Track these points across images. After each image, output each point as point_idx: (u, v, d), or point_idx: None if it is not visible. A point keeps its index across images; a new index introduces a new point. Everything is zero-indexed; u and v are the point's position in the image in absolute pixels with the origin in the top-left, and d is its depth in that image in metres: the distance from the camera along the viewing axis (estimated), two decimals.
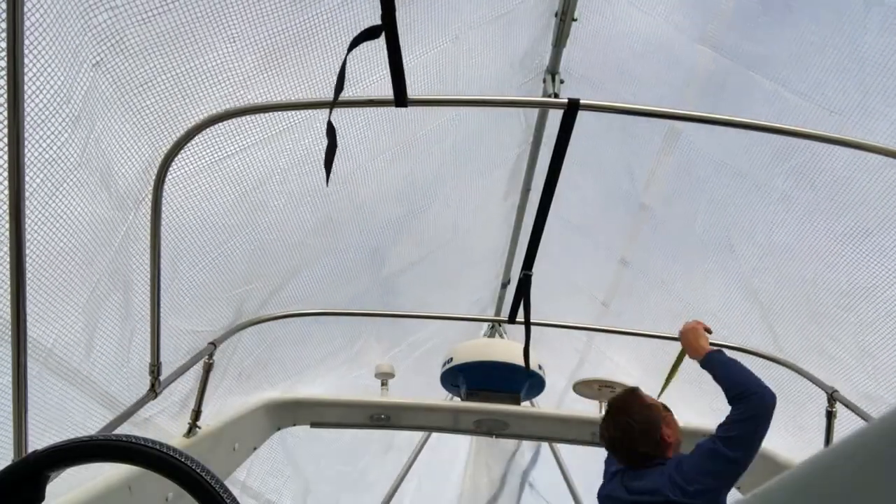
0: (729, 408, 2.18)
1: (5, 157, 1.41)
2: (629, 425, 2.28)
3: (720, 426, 2.17)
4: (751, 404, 2.12)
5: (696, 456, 2.15)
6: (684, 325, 2.54)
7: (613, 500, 2.34)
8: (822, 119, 2.16)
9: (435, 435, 5.39)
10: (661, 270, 3.49)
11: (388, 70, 1.72)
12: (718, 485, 2.11)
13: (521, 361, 3.23)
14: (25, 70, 1.36)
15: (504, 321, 3.58)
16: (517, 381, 3.64)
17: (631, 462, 2.31)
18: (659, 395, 2.57)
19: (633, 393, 2.42)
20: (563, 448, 5.50)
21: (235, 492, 0.96)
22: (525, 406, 3.85)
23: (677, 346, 2.61)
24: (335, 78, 1.60)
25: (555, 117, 2.71)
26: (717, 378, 2.28)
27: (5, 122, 1.37)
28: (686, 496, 2.07)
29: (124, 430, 2.22)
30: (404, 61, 1.70)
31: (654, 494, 2.14)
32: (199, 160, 2.12)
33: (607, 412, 2.40)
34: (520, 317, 3.00)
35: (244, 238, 2.54)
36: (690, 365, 3.65)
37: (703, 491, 2.07)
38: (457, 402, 3.87)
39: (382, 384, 3.60)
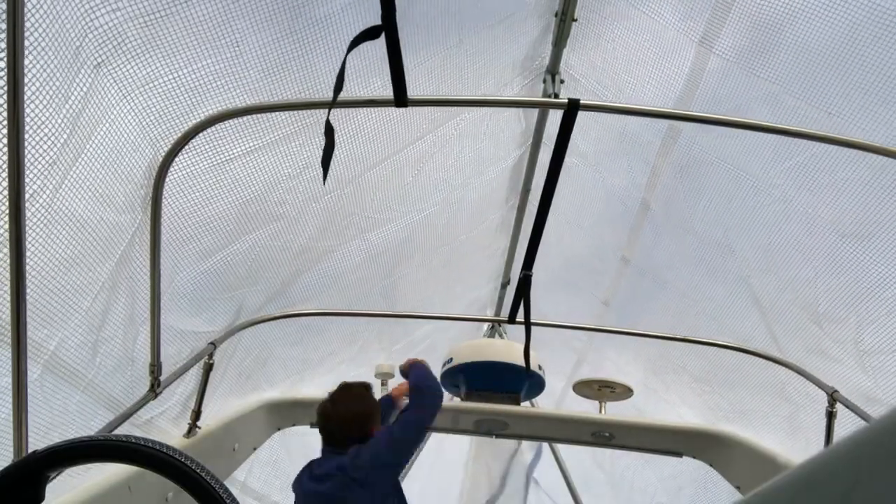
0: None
1: (5, 157, 1.41)
2: None
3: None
4: (430, 394, 2.59)
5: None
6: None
7: None
8: (820, 121, 2.16)
9: (435, 435, 5.39)
10: (660, 272, 3.48)
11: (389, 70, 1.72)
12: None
13: (521, 361, 3.23)
14: (26, 71, 1.36)
15: (504, 321, 3.58)
16: (517, 381, 3.64)
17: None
18: None
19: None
20: (563, 448, 5.50)
21: (235, 492, 0.96)
22: (525, 406, 3.85)
23: (677, 346, 2.62)
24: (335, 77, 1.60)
25: (555, 117, 2.71)
26: (411, 377, 2.76)
27: (5, 123, 1.37)
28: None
29: (124, 430, 2.22)
30: (406, 63, 1.69)
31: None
32: (203, 161, 2.12)
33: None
34: (520, 317, 3.00)
35: (245, 240, 2.54)
36: (691, 367, 3.64)
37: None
38: (457, 402, 3.87)
39: (382, 384, 3.59)
